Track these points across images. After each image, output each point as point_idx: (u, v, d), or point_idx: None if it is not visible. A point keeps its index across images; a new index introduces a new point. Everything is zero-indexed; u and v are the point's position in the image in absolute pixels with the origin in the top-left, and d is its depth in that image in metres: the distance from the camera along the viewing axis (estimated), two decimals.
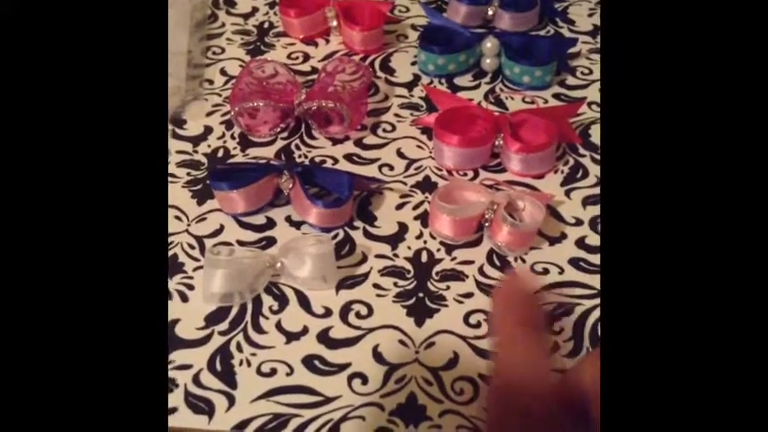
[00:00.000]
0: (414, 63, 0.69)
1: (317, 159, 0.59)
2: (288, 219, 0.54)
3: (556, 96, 0.65)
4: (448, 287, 0.49)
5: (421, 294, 0.49)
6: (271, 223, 0.54)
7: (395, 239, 0.53)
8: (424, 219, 0.54)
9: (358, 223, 0.54)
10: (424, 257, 0.52)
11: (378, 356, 0.46)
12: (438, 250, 0.52)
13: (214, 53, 0.70)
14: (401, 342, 0.46)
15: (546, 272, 0.50)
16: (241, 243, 0.52)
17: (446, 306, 0.48)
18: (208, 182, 0.56)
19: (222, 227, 0.53)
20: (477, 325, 0.47)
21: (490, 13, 0.72)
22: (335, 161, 0.59)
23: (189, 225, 0.54)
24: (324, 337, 0.47)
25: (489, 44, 0.66)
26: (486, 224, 0.52)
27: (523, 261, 0.51)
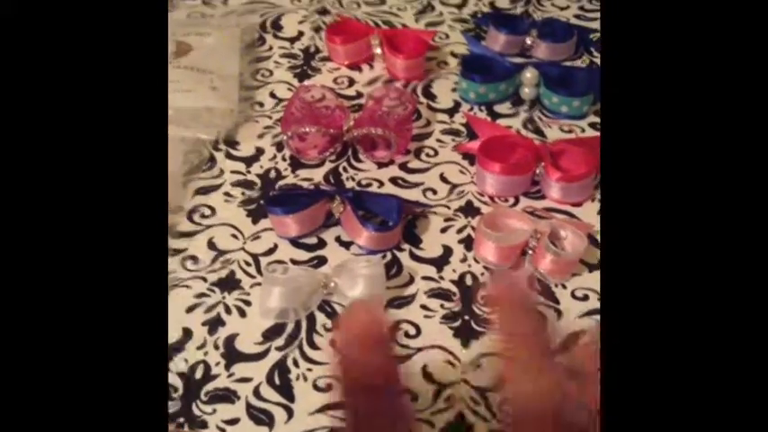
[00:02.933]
0: (454, 90, 0.72)
1: (364, 182, 0.62)
2: (338, 239, 0.57)
3: (592, 125, 0.68)
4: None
5: (466, 317, 0.51)
6: (322, 243, 0.57)
7: (440, 262, 0.55)
8: (467, 243, 0.57)
9: (404, 245, 0.56)
10: (469, 281, 0.54)
11: (426, 375, 0.48)
12: (482, 274, 0.54)
13: (263, 76, 0.73)
14: (448, 362, 0.49)
15: (586, 298, 0.53)
16: (294, 262, 0.55)
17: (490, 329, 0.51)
18: (261, 202, 0.59)
19: (276, 245, 0.56)
20: None
21: (528, 42, 0.75)
22: (381, 184, 0.62)
23: (245, 243, 0.56)
24: None
25: (529, 74, 0.69)
26: (530, 251, 0.54)
27: (564, 287, 0.53)
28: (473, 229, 0.57)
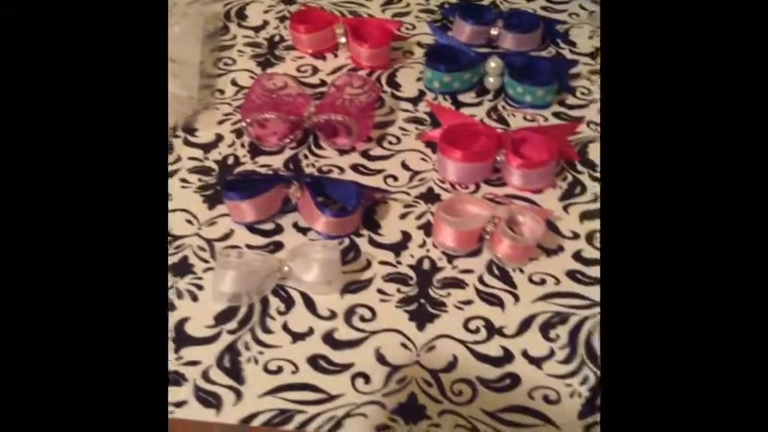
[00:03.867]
0: (419, 79, 0.71)
1: (324, 169, 0.61)
2: (295, 225, 0.56)
3: (556, 115, 0.68)
4: (449, 294, 0.51)
5: (422, 300, 0.51)
6: (279, 229, 0.56)
7: (398, 247, 0.55)
8: (426, 228, 0.56)
9: (363, 231, 0.56)
10: (426, 265, 0.53)
11: (380, 358, 0.47)
12: (440, 259, 0.54)
13: (225, 64, 0.72)
14: (403, 345, 0.48)
15: (543, 282, 0.52)
16: (250, 247, 0.54)
17: (446, 312, 0.50)
18: (218, 188, 0.58)
19: (232, 231, 0.55)
20: (477, 330, 0.49)
21: (494, 33, 0.75)
22: (342, 171, 0.61)
23: (200, 228, 0.55)
24: (329, 339, 0.48)
25: (493, 64, 0.68)
26: (487, 236, 0.54)
27: (522, 272, 0.53)
28: (433, 215, 0.57)
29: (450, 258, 0.54)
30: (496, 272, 0.53)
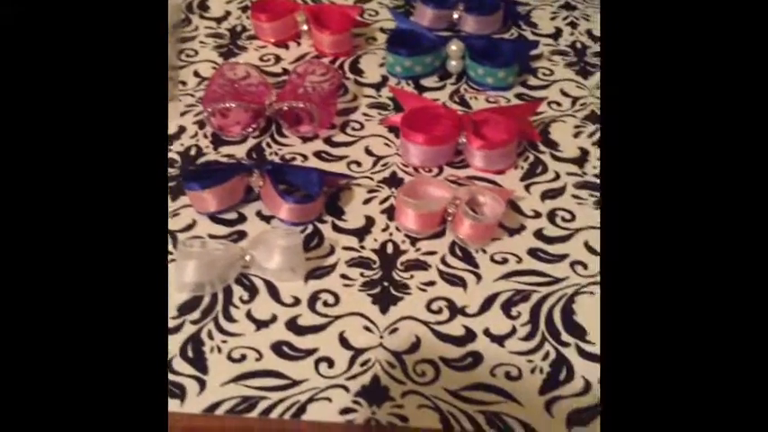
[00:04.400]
0: (382, 65, 0.71)
1: (288, 157, 0.61)
2: (258, 213, 0.56)
3: (518, 96, 0.68)
4: (412, 276, 0.52)
5: (386, 283, 0.51)
6: (242, 218, 0.56)
7: (362, 232, 0.55)
8: (390, 213, 0.56)
9: (326, 217, 0.56)
10: (390, 249, 0.54)
11: (344, 342, 0.48)
12: (403, 242, 0.54)
13: (188, 55, 0.72)
14: (366, 328, 0.48)
15: (505, 261, 0.53)
16: (213, 237, 0.54)
17: (410, 294, 0.51)
18: (181, 179, 0.58)
19: (195, 222, 0.55)
20: (439, 311, 0.49)
21: (455, 16, 0.75)
22: (305, 158, 0.61)
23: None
24: (292, 325, 0.48)
25: (454, 47, 0.69)
26: (449, 218, 0.54)
27: (484, 252, 0.54)
28: (396, 199, 0.57)
29: (414, 241, 0.54)
30: (459, 253, 0.54)
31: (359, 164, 0.61)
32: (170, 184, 0.58)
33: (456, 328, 0.48)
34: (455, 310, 0.49)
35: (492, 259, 0.53)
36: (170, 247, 0.53)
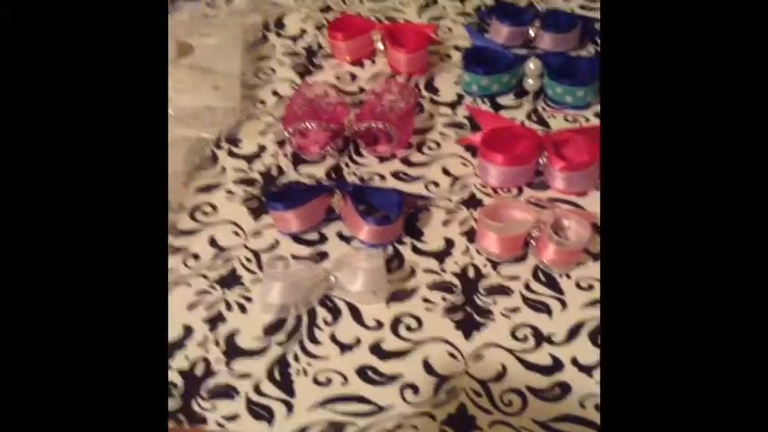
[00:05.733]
0: (457, 83, 0.71)
1: (366, 176, 0.61)
2: (339, 234, 0.57)
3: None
4: (495, 302, 0.51)
5: (469, 309, 0.51)
6: (323, 238, 0.56)
7: (442, 255, 0.55)
8: (470, 235, 0.56)
9: (406, 239, 0.56)
10: (471, 273, 0.53)
11: (428, 368, 0.47)
12: (484, 266, 0.54)
13: (265, 74, 0.73)
14: (450, 354, 0.48)
15: (591, 287, 0.52)
16: (295, 257, 0.55)
17: (493, 321, 0.50)
18: (263, 198, 0.59)
19: (277, 241, 0.56)
20: (525, 339, 0.49)
21: (531, 33, 0.74)
22: (383, 178, 0.61)
23: (246, 240, 0.56)
24: (376, 349, 0.49)
25: (532, 65, 0.68)
26: (533, 242, 0.53)
27: (568, 278, 0.53)
28: (476, 221, 0.57)
29: (495, 265, 0.54)
30: (542, 278, 0.53)
31: (437, 184, 0.61)
32: (252, 205, 0.59)
33: (542, 356, 0.48)
34: (541, 338, 0.49)
35: (577, 285, 0.52)
36: (255, 267, 0.54)
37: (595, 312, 0.50)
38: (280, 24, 0.80)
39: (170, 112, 0.66)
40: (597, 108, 0.67)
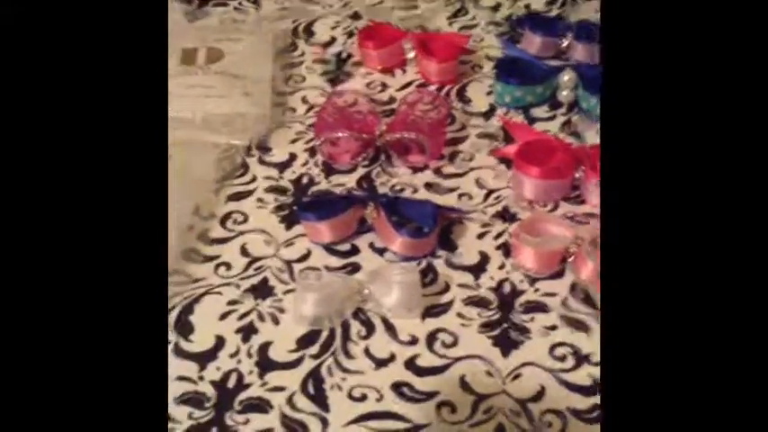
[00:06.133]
0: (489, 93, 0.70)
1: (397, 187, 0.61)
2: (371, 245, 0.56)
3: None
4: (532, 319, 0.50)
5: (505, 325, 0.50)
6: (355, 250, 0.56)
7: (477, 269, 0.54)
8: (505, 249, 0.55)
9: (440, 252, 0.55)
10: (507, 288, 0.52)
11: (465, 386, 0.46)
12: (521, 281, 0.53)
13: (295, 81, 0.72)
14: (488, 372, 0.47)
15: None
16: (327, 268, 0.54)
17: (530, 338, 0.49)
18: (294, 208, 0.58)
19: (309, 252, 0.55)
20: (563, 358, 0.48)
21: (564, 44, 0.73)
22: (415, 189, 0.61)
23: (278, 250, 0.55)
24: (411, 365, 0.48)
25: (567, 77, 0.67)
26: (570, 258, 0.52)
27: None
28: (510, 235, 0.56)
29: (532, 281, 0.53)
30: (581, 294, 0.52)
31: (470, 196, 0.60)
32: (284, 213, 0.58)
33: (582, 377, 0.47)
34: (580, 358, 0.48)
35: None
36: (287, 278, 0.53)
37: None
38: (309, 31, 0.79)
39: (199, 118, 0.65)
40: None
